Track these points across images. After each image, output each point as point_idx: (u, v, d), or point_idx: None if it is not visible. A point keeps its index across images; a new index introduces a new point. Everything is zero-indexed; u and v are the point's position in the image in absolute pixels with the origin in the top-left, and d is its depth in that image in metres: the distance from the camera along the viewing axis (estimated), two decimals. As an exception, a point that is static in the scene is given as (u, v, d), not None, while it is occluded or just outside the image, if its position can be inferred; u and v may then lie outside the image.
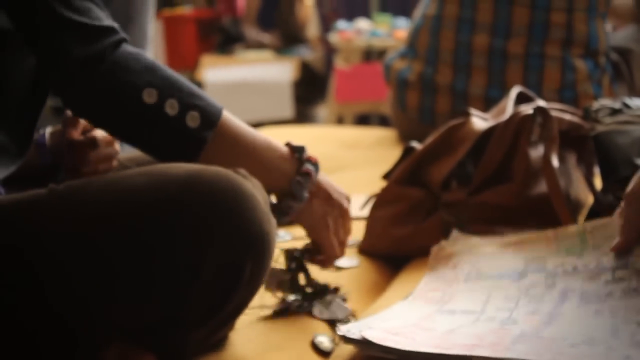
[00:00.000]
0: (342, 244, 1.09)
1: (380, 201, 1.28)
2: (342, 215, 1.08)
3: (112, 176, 0.88)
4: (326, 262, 1.08)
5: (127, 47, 0.97)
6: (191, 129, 0.97)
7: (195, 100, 0.98)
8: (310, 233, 1.06)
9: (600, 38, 1.89)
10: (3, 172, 0.96)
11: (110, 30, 0.96)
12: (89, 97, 0.94)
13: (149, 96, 0.95)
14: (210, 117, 0.98)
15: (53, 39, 0.93)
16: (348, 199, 1.09)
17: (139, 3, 2.41)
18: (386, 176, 1.37)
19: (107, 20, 0.96)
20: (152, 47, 2.49)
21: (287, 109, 4.12)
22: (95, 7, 0.96)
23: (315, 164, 1.05)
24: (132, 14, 2.40)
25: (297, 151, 1.05)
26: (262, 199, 0.88)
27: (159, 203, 0.83)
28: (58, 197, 0.85)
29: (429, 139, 1.27)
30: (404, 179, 1.26)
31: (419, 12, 2.04)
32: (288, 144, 1.06)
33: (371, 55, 3.79)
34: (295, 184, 1.02)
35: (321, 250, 1.07)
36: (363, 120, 3.98)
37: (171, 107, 0.96)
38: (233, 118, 1.02)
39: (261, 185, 0.91)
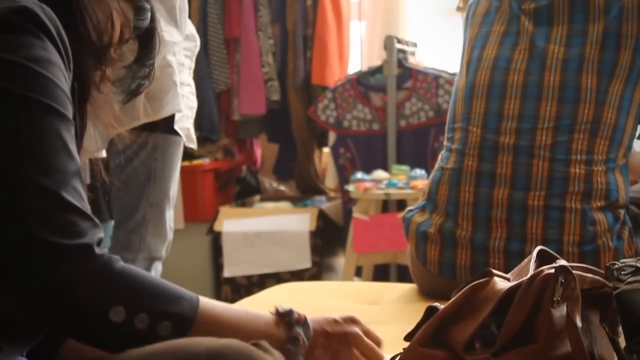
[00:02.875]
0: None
1: (404, 363, 1.26)
2: (351, 340, 1.07)
3: (132, 354, 0.88)
4: None
5: (101, 261, 0.96)
6: (164, 336, 0.96)
7: (169, 306, 0.98)
8: None
9: (620, 191, 1.90)
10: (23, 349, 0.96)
11: (86, 250, 0.95)
12: (56, 321, 0.95)
13: (117, 315, 0.95)
14: (184, 322, 0.98)
15: (22, 263, 0.93)
16: (352, 319, 1.08)
17: (161, 161, 2.45)
18: (408, 337, 1.35)
19: (89, 233, 0.96)
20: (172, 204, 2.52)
21: (305, 259, 4.13)
22: (80, 218, 0.96)
23: (304, 323, 1.05)
24: (154, 174, 2.44)
25: (285, 316, 1.05)
26: None
27: None
28: None
29: (452, 300, 1.26)
30: (427, 341, 1.24)
31: (437, 165, 2.07)
32: (276, 310, 1.06)
33: (389, 205, 3.82)
34: (286, 351, 1.02)
35: None
36: (382, 270, 3.97)
37: (141, 322, 0.96)
38: (212, 303, 1.02)
39: (282, 356, 0.90)
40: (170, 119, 2.42)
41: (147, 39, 1.25)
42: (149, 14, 1.23)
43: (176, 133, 2.45)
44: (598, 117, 1.89)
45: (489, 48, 2.02)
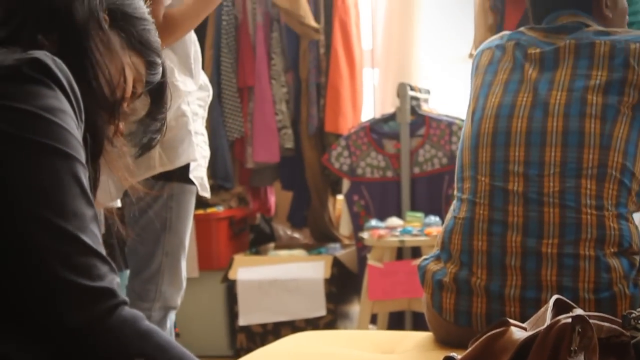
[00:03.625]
0: None
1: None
2: None
3: None
4: None
5: (124, 311, 0.97)
6: None
7: None
8: None
9: (634, 237, 1.89)
10: None
11: (108, 293, 0.96)
12: None
13: None
14: None
15: (46, 305, 0.94)
16: None
17: (176, 211, 2.46)
18: (426, 387, 1.35)
19: (109, 277, 0.98)
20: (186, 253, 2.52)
21: (320, 307, 4.11)
22: (100, 262, 0.98)
23: None
24: (169, 223, 2.44)
25: None
26: None
27: None
28: None
29: (469, 350, 1.26)
30: (445, 391, 1.24)
31: (449, 214, 2.07)
32: None
33: (403, 252, 3.81)
34: None
35: None
36: (397, 317, 3.95)
37: None
38: None
39: None
40: (185, 168, 2.43)
41: (159, 93, 1.27)
42: (161, 68, 1.25)
43: (191, 182, 2.46)
44: (604, 161, 1.89)
45: (492, 96, 2.04)
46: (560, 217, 1.89)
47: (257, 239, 4.86)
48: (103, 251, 0.99)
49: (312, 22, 4.44)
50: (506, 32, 2.16)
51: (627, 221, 1.89)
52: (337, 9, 4.47)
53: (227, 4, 4.54)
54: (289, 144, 4.56)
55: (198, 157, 2.45)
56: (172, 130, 2.34)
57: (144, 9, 1.26)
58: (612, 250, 1.86)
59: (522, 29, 2.15)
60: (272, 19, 4.57)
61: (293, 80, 4.60)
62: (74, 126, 1.03)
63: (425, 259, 2.09)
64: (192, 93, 2.44)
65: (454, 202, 2.07)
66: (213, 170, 4.45)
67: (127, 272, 2.57)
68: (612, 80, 1.93)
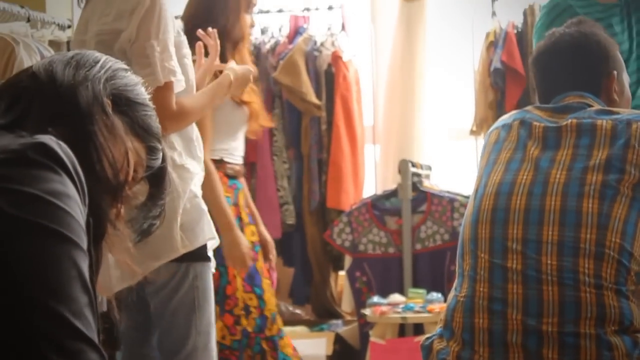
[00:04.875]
0: None
1: None
2: None
3: None
4: None
5: None
6: None
7: None
8: None
9: (635, 314, 1.88)
10: None
11: None
12: None
13: None
14: None
15: None
16: None
17: (202, 289, 2.52)
18: None
19: None
20: None
21: (322, 384, 4.07)
22: (89, 348, 0.98)
23: None
24: (197, 302, 2.51)
25: None
26: None
27: None
28: None
29: None
30: None
31: (452, 292, 2.07)
32: None
33: (406, 329, 3.79)
34: None
35: None
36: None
37: None
38: None
39: None
40: (204, 246, 2.47)
41: (159, 178, 1.28)
42: (161, 153, 1.27)
43: (209, 259, 2.51)
44: (601, 241, 1.89)
45: (494, 174, 2.06)
46: (559, 296, 1.88)
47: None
48: (95, 337, 0.99)
49: (314, 99, 4.48)
50: (514, 112, 2.19)
51: (627, 299, 1.88)
52: (339, 86, 4.52)
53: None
54: (291, 220, 4.57)
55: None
56: (188, 213, 2.40)
57: (145, 95, 1.29)
58: (613, 328, 1.85)
59: (528, 107, 2.18)
60: (274, 96, 4.62)
61: (295, 156, 4.63)
62: (78, 211, 1.04)
63: (429, 338, 2.08)
64: (198, 174, 2.49)
65: (456, 279, 2.07)
66: (215, 246, 4.45)
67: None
68: (613, 159, 1.94)
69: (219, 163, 3.17)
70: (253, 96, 3.32)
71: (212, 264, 2.53)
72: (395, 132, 4.66)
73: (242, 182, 3.33)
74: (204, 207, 2.47)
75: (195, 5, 3.23)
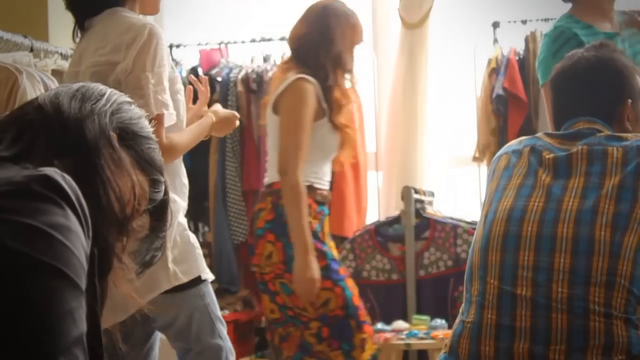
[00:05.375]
0: None
1: None
2: None
3: None
4: None
5: None
6: None
7: None
8: None
9: None
10: None
11: None
12: None
13: None
14: None
15: None
16: None
17: (211, 304, 2.56)
18: None
19: None
20: None
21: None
22: None
23: None
24: (212, 316, 2.56)
25: None
26: None
27: None
28: None
29: None
30: None
31: (458, 318, 2.06)
32: None
33: (410, 356, 3.78)
34: None
35: None
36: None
37: None
38: None
39: None
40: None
41: (161, 211, 1.29)
42: (163, 186, 1.27)
43: (206, 279, 2.56)
44: (613, 270, 1.89)
45: (505, 200, 2.05)
46: (568, 324, 1.87)
47: (262, 342, 4.81)
48: None
49: (317, 127, 4.48)
50: (524, 138, 2.19)
51: (635, 329, 1.87)
52: (341, 113, 4.52)
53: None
54: (294, 248, 4.56)
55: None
56: (178, 246, 2.46)
57: (149, 129, 1.29)
58: (621, 357, 1.84)
59: (538, 134, 2.18)
60: (277, 123, 4.62)
61: (298, 183, 4.62)
62: (79, 245, 1.03)
63: (434, 365, 2.07)
64: (184, 207, 2.55)
65: (463, 304, 2.07)
66: (218, 273, 4.44)
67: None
68: (625, 187, 1.94)
69: (309, 189, 3.14)
70: (350, 121, 3.36)
71: (210, 276, 2.57)
72: (397, 158, 4.66)
73: (328, 208, 3.31)
74: (194, 240, 2.53)
75: (308, 27, 3.27)
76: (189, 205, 2.57)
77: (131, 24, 2.41)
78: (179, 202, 2.49)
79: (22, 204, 1.01)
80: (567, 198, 1.97)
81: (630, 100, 2.15)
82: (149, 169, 1.25)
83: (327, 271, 3.12)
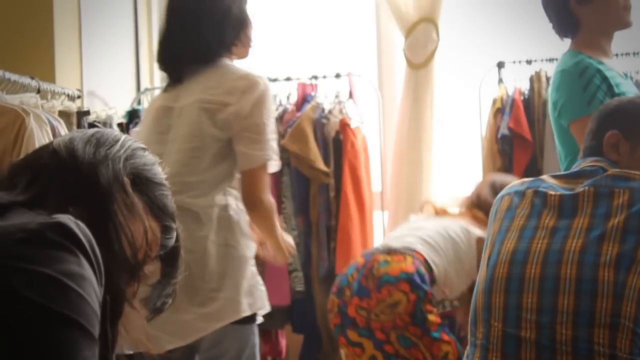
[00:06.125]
0: None
1: None
2: None
3: None
4: None
5: None
6: None
7: None
8: None
9: None
10: None
11: None
12: None
13: None
14: None
15: None
16: None
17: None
18: None
19: None
20: None
21: None
22: None
23: None
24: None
25: None
26: None
27: None
28: None
29: None
30: None
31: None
32: None
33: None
34: None
35: None
36: None
37: None
38: None
39: None
40: None
41: (173, 257, 1.29)
42: (175, 233, 1.27)
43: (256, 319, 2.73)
44: (617, 311, 1.88)
45: (507, 242, 2.05)
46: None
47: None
48: None
49: (322, 166, 4.49)
50: (526, 179, 2.19)
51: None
52: (347, 153, 4.53)
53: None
54: (300, 287, 4.55)
55: None
56: (247, 278, 2.64)
57: (162, 175, 1.30)
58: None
59: (543, 176, 2.18)
60: (282, 163, 4.63)
61: (303, 223, 4.62)
62: (92, 293, 1.03)
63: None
64: (254, 246, 2.77)
65: (468, 347, 2.06)
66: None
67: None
68: (629, 227, 1.93)
69: None
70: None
71: (268, 308, 2.72)
72: (403, 198, 4.66)
73: None
74: (257, 276, 2.68)
75: None
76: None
77: (246, 73, 2.66)
78: (252, 241, 2.67)
79: (37, 252, 1.01)
80: (570, 239, 1.97)
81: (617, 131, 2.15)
82: (162, 215, 1.25)
83: (445, 326, 3.27)
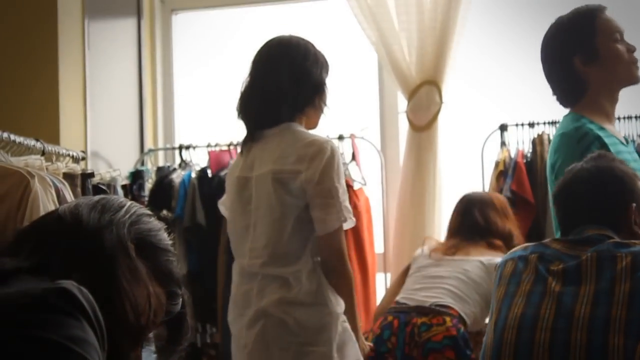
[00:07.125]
0: None
1: None
2: None
3: None
4: None
5: None
6: None
7: None
8: None
9: None
10: None
11: None
12: None
13: None
14: None
15: None
16: None
17: None
18: None
19: None
20: None
21: None
22: None
23: None
24: None
25: None
26: None
27: None
28: None
29: None
30: None
31: None
32: None
33: None
34: None
35: None
36: None
37: None
38: None
39: None
40: None
41: (178, 323, 1.28)
42: (181, 299, 1.27)
43: None
44: None
45: (515, 307, 2.04)
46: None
47: None
48: None
49: (325, 228, 4.48)
50: (529, 244, 2.19)
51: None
52: (350, 215, 4.52)
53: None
54: (302, 350, 4.50)
55: None
56: (340, 334, 2.72)
57: (168, 241, 1.30)
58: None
59: (545, 241, 2.18)
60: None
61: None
62: (95, 357, 1.03)
63: None
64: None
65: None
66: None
67: None
68: (635, 293, 1.93)
69: None
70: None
71: None
72: (406, 260, 4.63)
73: None
74: (351, 332, 2.74)
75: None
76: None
77: (313, 139, 2.73)
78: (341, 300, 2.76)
79: (41, 318, 1.01)
80: (578, 306, 1.96)
81: (634, 204, 2.16)
82: (167, 281, 1.25)
83: None
